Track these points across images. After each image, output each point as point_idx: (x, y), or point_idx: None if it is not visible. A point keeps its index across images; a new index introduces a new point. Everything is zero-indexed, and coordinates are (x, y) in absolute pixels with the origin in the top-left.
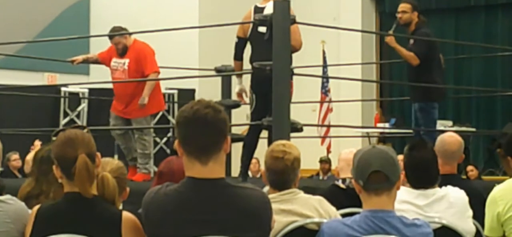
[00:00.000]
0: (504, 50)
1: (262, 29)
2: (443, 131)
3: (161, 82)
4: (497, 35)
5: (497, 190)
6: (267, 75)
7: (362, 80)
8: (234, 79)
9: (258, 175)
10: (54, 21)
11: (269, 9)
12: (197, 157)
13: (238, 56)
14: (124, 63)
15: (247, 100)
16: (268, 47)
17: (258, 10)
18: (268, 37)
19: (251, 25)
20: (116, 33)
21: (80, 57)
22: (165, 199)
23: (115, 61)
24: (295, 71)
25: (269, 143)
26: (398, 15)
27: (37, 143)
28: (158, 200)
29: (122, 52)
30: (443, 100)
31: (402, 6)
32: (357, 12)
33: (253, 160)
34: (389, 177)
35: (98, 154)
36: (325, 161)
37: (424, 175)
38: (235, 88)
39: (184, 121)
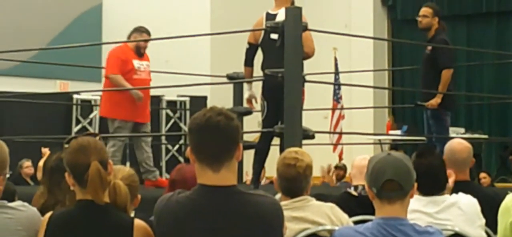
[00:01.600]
0: None
1: (274, 36)
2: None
3: (173, 89)
4: (509, 41)
5: (510, 199)
6: (279, 82)
7: (374, 87)
8: (245, 85)
9: (262, 182)
10: (67, 28)
11: (281, 16)
12: (209, 164)
13: (249, 63)
14: (146, 65)
15: (256, 106)
16: (280, 54)
17: (270, 16)
18: (280, 44)
19: (263, 31)
20: (146, 37)
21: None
22: (177, 207)
23: (138, 62)
24: (307, 78)
25: (281, 150)
26: (419, 19)
27: (45, 150)
28: (170, 207)
29: (143, 54)
30: (455, 108)
31: (423, 10)
32: (369, 18)
33: None
34: (402, 186)
35: (110, 161)
36: (340, 168)
37: (432, 182)
38: (245, 95)
39: (197, 128)
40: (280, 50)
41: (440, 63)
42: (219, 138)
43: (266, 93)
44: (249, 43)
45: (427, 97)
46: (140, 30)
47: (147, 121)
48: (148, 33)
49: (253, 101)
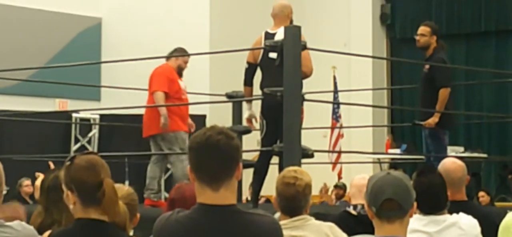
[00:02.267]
0: None
1: (273, 55)
2: (454, 157)
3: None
4: (509, 60)
5: (510, 218)
6: (278, 101)
7: (373, 106)
8: (244, 105)
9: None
10: (66, 47)
11: (280, 35)
12: (208, 183)
13: (248, 82)
14: (185, 86)
15: (256, 126)
16: (279, 73)
17: (269, 36)
18: (279, 63)
19: (261, 50)
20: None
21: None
22: (176, 225)
23: (182, 83)
24: (306, 97)
25: (280, 169)
26: (417, 38)
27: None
28: (169, 226)
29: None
30: (453, 127)
31: (421, 29)
32: (367, 37)
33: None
34: (402, 205)
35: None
36: (340, 187)
37: (432, 201)
38: (245, 114)
39: (197, 147)
40: (279, 69)
41: (437, 82)
42: (219, 157)
43: (265, 112)
44: (248, 63)
45: (425, 116)
46: (182, 50)
47: None
48: (188, 54)
49: (253, 120)
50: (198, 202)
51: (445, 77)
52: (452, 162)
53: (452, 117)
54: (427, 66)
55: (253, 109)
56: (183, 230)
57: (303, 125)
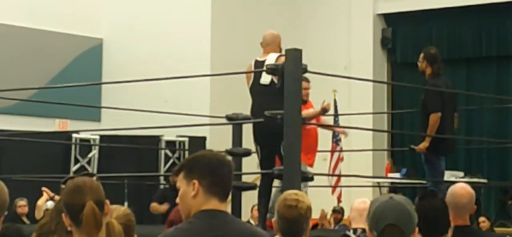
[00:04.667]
0: None
1: (264, 81)
2: (453, 182)
3: (171, 129)
4: (509, 86)
5: None
6: (268, 127)
7: (373, 130)
8: (245, 127)
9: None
10: (67, 68)
11: (269, 61)
12: (219, 194)
13: None
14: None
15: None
16: (271, 99)
17: (258, 63)
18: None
19: (252, 76)
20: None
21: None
22: (176, 233)
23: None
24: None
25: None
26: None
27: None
28: (169, 234)
29: (306, 101)
30: (450, 153)
31: (421, 55)
32: (368, 61)
33: (257, 207)
34: (403, 231)
35: (107, 201)
36: (338, 211)
37: (434, 225)
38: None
39: (217, 162)
40: (270, 96)
41: (428, 108)
42: (231, 174)
43: (257, 138)
44: None
45: (422, 142)
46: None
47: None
48: (307, 80)
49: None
50: (200, 210)
51: (433, 102)
52: (462, 187)
53: (449, 143)
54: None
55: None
56: (184, 234)
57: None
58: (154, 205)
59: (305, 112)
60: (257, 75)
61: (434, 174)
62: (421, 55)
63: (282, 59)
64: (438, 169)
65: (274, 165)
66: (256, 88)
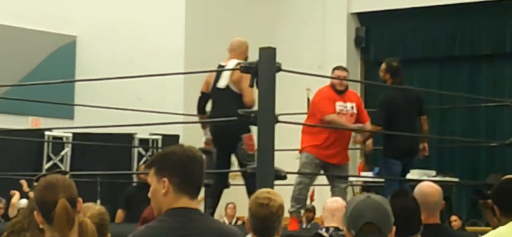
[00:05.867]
0: (487, 101)
1: (221, 84)
2: (419, 181)
3: (144, 127)
4: (481, 85)
5: None
6: (224, 132)
7: (346, 128)
8: (201, 130)
9: (234, 221)
10: (40, 65)
11: (228, 67)
12: (189, 192)
13: (201, 111)
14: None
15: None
16: (226, 102)
17: (220, 68)
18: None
19: (212, 81)
20: None
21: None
22: (147, 231)
23: (340, 104)
24: (280, 118)
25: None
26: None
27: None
28: (140, 233)
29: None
30: (408, 157)
31: (382, 65)
32: (342, 60)
33: (230, 205)
34: (381, 229)
35: (80, 199)
36: (310, 210)
37: (406, 224)
38: (202, 139)
39: (187, 159)
40: (226, 99)
41: (373, 118)
42: (203, 170)
43: (214, 141)
44: (202, 92)
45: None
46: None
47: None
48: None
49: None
50: (170, 208)
51: (379, 115)
52: (429, 186)
53: (404, 148)
54: None
55: (209, 134)
56: (154, 231)
57: (276, 147)
58: (119, 214)
59: (335, 119)
60: (216, 79)
61: (383, 174)
62: (384, 66)
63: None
64: (389, 172)
65: (229, 166)
66: (214, 91)
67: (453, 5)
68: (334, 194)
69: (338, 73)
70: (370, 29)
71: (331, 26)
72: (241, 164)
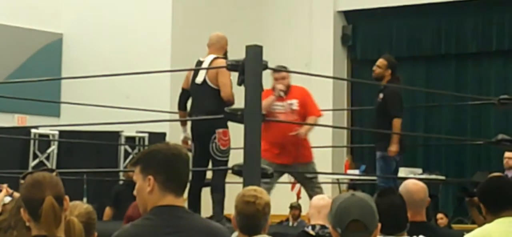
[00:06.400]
0: (474, 99)
1: (199, 80)
2: (405, 179)
3: (131, 125)
4: (467, 84)
5: None
6: (201, 128)
7: (333, 127)
8: (180, 127)
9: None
10: (26, 62)
11: (206, 63)
12: (175, 190)
13: (181, 107)
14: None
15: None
16: (204, 98)
17: (199, 64)
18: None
19: (191, 77)
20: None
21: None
22: (132, 229)
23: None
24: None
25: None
26: (373, 68)
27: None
28: (126, 231)
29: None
30: (401, 154)
31: (379, 61)
32: (328, 58)
33: None
34: (367, 226)
35: (67, 197)
36: (296, 207)
37: (392, 221)
38: (181, 136)
39: (172, 157)
40: (203, 95)
41: (391, 112)
42: (188, 168)
43: (193, 138)
44: (182, 89)
45: (378, 140)
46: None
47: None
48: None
49: (189, 142)
50: (157, 206)
51: (396, 107)
52: (414, 183)
53: (403, 143)
54: (381, 96)
55: (188, 131)
56: (141, 229)
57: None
58: (107, 212)
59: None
60: (195, 75)
61: (385, 172)
62: (382, 61)
63: (218, 61)
64: (390, 168)
65: (206, 164)
66: (192, 87)
67: (439, 4)
68: (313, 193)
69: (275, 75)
70: (356, 28)
71: (318, 24)
72: (212, 159)
